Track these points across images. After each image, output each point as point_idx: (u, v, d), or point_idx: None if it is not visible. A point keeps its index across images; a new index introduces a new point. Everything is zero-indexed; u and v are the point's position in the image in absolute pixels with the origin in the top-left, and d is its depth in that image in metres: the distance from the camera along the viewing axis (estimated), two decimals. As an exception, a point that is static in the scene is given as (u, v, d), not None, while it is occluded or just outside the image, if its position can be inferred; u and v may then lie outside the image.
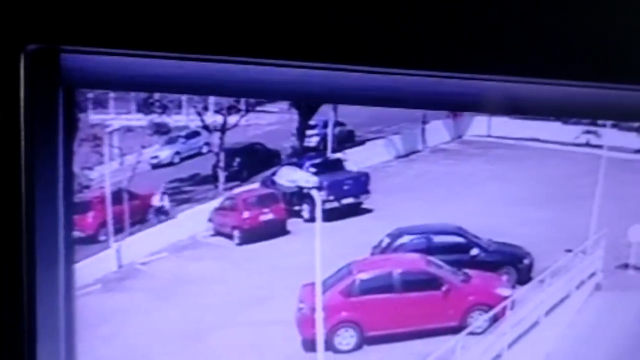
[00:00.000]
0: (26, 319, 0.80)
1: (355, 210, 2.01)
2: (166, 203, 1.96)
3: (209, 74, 0.83)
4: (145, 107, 1.91)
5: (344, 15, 0.76)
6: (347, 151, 2.02)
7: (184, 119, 1.98)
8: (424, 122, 2.07)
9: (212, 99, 1.93)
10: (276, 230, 2.01)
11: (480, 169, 2.04)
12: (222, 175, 2.00)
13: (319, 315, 1.89)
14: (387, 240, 1.96)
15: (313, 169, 1.99)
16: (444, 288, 1.93)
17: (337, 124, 2.00)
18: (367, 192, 2.02)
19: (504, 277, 1.97)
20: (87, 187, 1.89)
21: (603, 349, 1.91)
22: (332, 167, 2.01)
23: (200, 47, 0.77)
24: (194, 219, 2.01)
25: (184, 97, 1.91)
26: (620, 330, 1.93)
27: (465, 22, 0.77)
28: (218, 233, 2.02)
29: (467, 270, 1.96)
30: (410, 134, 2.07)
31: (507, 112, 0.93)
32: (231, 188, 2.01)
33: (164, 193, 1.97)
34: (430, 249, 1.96)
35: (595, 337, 1.95)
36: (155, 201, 1.97)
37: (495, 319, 1.93)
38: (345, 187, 2.00)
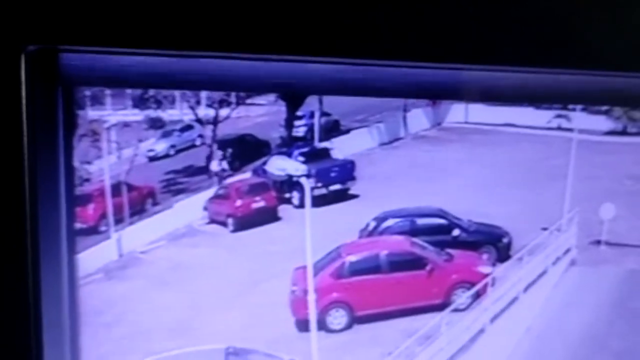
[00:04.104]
0: (32, 309, 0.80)
1: (343, 196, 2.01)
2: (225, 166, 1.95)
3: (200, 69, 0.83)
4: (140, 103, 1.91)
5: (327, 9, 0.76)
6: (334, 140, 2.03)
7: (178, 113, 1.98)
8: (405, 111, 2.08)
9: (204, 94, 1.93)
10: (268, 217, 2.01)
11: (459, 153, 2.05)
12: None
13: (311, 297, 1.90)
14: (373, 224, 1.96)
15: (302, 158, 2.00)
16: (428, 267, 1.94)
17: (323, 114, 2.00)
18: (353, 178, 2.03)
19: (485, 256, 1.99)
20: (88, 180, 1.89)
21: (579, 321, 1.93)
22: (320, 155, 2.02)
23: (192, 44, 0.78)
24: (190, 208, 2.01)
25: (177, 93, 1.91)
26: (595, 303, 1.95)
27: (443, 14, 0.78)
28: (213, 221, 2.03)
29: (449, 250, 1.97)
30: (393, 122, 2.07)
31: (483, 99, 0.93)
32: (224, 178, 2.01)
33: (222, 159, 1.96)
34: (414, 231, 1.97)
35: (571, 310, 1.96)
36: (214, 166, 1.96)
37: (477, 296, 1.94)
38: (333, 174, 2.01)
